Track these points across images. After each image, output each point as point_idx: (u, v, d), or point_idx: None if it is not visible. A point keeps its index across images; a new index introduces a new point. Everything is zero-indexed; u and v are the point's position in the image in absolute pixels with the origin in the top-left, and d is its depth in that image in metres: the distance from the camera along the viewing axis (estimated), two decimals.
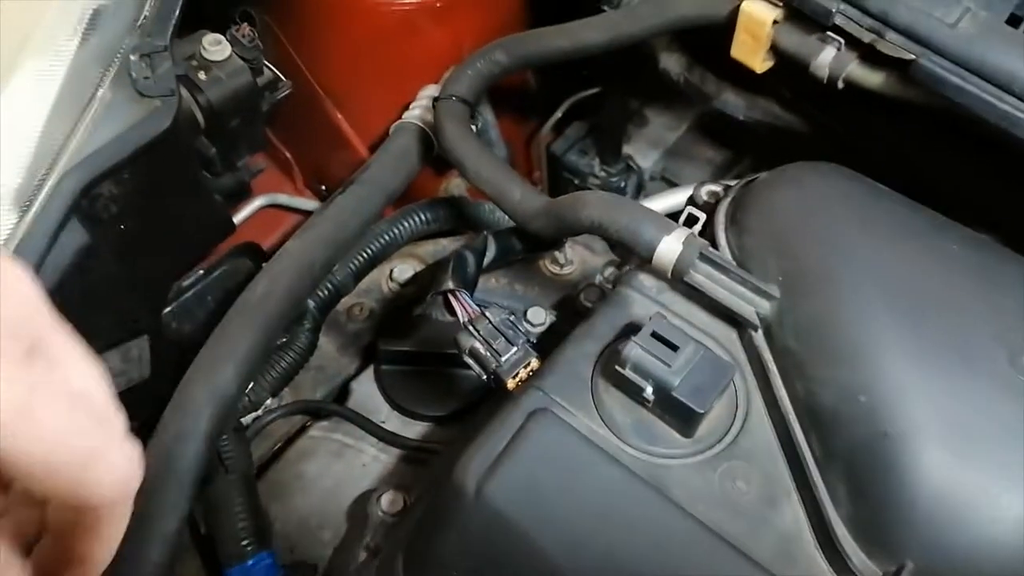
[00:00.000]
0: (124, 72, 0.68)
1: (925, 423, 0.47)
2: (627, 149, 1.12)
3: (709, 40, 0.75)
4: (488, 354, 0.56)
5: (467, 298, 0.59)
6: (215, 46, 0.75)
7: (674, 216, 0.63)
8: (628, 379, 0.53)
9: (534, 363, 0.57)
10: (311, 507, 0.71)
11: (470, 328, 0.57)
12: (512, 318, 0.58)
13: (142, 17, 0.70)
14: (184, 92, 0.73)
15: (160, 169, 0.72)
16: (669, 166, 1.13)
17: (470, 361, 0.57)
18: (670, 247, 0.57)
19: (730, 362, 0.55)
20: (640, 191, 1.14)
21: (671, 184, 1.14)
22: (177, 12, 0.71)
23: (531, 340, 0.57)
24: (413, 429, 0.77)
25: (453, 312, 0.60)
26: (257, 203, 1.03)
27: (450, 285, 0.59)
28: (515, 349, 0.56)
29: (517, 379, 0.56)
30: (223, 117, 0.77)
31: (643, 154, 1.13)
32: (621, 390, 0.55)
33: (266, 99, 0.81)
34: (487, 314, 0.57)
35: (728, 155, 1.12)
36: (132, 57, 0.68)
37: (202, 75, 0.75)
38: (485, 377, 0.57)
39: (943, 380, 0.48)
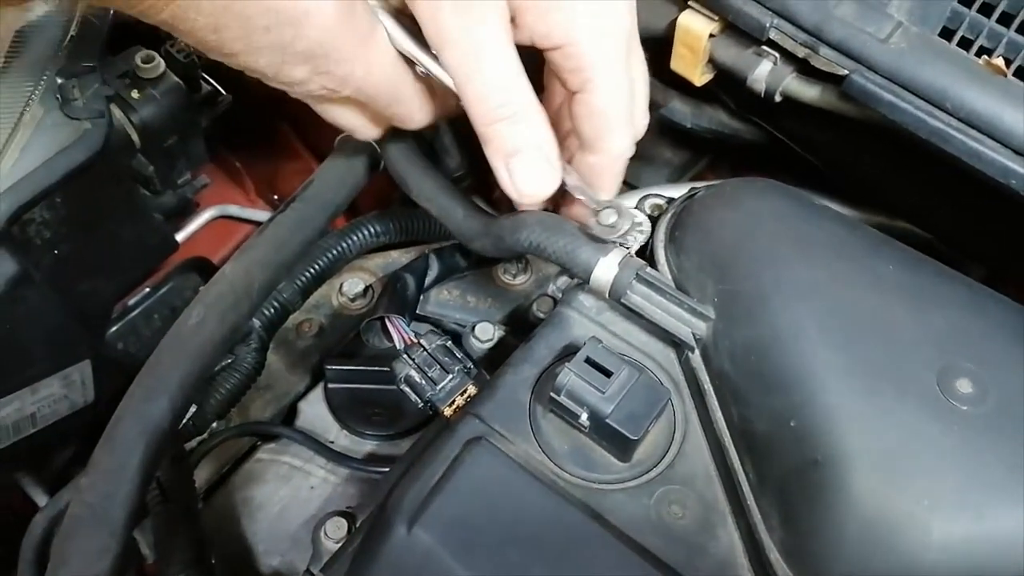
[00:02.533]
0: (52, 94, 0.67)
1: (854, 450, 0.47)
2: None
3: (654, 48, 0.74)
4: (423, 382, 0.55)
5: (402, 324, 0.58)
6: (148, 63, 0.74)
7: None
8: (564, 405, 0.52)
9: (471, 390, 0.56)
10: (258, 533, 0.70)
11: (405, 356, 0.56)
12: (449, 344, 0.57)
13: (69, 37, 0.68)
14: (117, 112, 0.71)
15: (94, 192, 0.71)
16: (627, 168, 1.12)
17: (406, 389, 0.56)
18: (607, 269, 0.56)
19: (665, 387, 0.54)
20: None
21: (629, 186, 1.13)
22: (106, 30, 0.69)
23: (467, 368, 0.56)
24: (364, 448, 0.76)
25: (390, 338, 0.59)
26: (207, 215, 1.02)
27: (386, 311, 0.58)
28: (450, 377, 0.55)
29: (453, 407, 0.56)
30: (159, 135, 0.75)
31: None
32: (558, 416, 0.54)
33: (205, 114, 0.79)
34: (422, 341, 0.56)
35: (686, 156, 1.11)
36: (59, 79, 0.66)
37: (135, 94, 0.73)
38: (421, 405, 0.56)
39: (873, 406, 0.47)
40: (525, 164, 0.51)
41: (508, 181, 0.52)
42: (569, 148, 0.58)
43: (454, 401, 0.56)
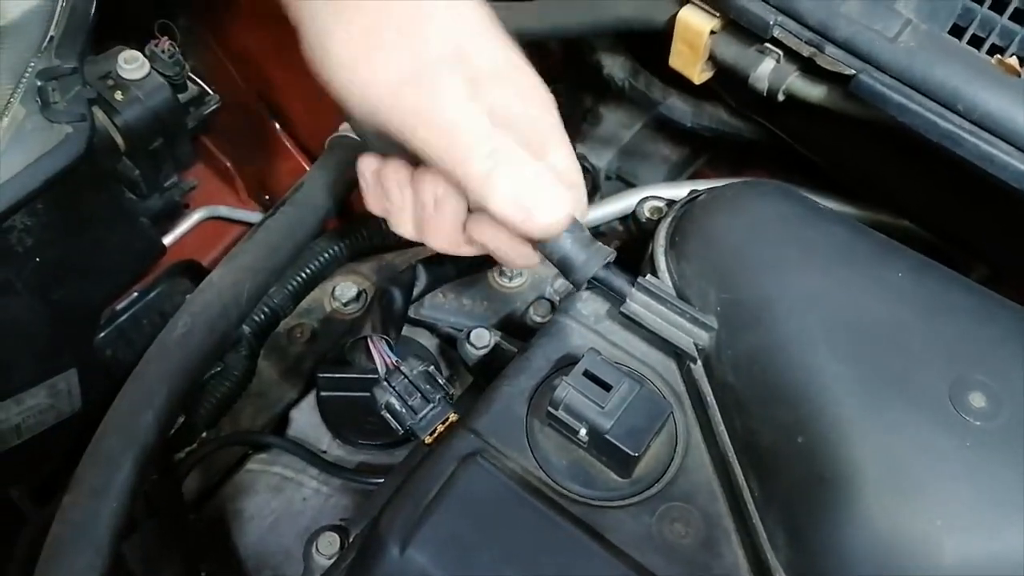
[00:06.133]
0: (32, 97, 0.64)
1: (864, 466, 0.45)
2: (581, 148, 1.09)
3: (653, 45, 0.72)
4: (403, 410, 0.54)
5: (385, 348, 0.57)
6: (132, 64, 0.71)
7: None
8: (562, 420, 0.50)
9: (452, 418, 0.55)
10: (249, 546, 0.69)
11: (385, 383, 0.54)
12: (431, 370, 0.55)
13: (48, 38, 0.65)
14: (100, 115, 0.69)
15: (77, 197, 0.69)
16: (624, 165, 1.10)
17: (387, 416, 0.55)
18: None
19: (667, 401, 0.53)
20: (596, 192, 1.11)
21: (627, 184, 1.11)
22: (87, 30, 0.67)
23: (450, 395, 0.55)
24: (357, 458, 0.75)
25: (372, 359, 0.57)
26: (196, 216, 1.00)
27: (369, 331, 0.57)
28: (431, 405, 0.54)
29: (434, 435, 0.54)
30: (144, 138, 0.73)
31: (597, 153, 1.09)
32: (556, 430, 0.52)
33: (191, 115, 0.77)
34: (402, 368, 0.54)
35: (685, 152, 1.09)
36: (39, 82, 0.64)
37: (119, 95, 0.71)
38: (402, 432, 0.55)
39: (883, 421, 0.46)
40: (536, 190, 0.47)
41: (524, 218, 0.47)
42: None
43: (435, 430, 0.54)
